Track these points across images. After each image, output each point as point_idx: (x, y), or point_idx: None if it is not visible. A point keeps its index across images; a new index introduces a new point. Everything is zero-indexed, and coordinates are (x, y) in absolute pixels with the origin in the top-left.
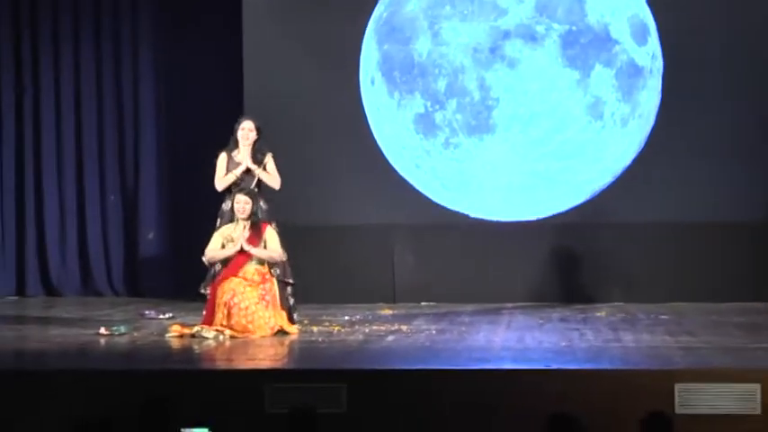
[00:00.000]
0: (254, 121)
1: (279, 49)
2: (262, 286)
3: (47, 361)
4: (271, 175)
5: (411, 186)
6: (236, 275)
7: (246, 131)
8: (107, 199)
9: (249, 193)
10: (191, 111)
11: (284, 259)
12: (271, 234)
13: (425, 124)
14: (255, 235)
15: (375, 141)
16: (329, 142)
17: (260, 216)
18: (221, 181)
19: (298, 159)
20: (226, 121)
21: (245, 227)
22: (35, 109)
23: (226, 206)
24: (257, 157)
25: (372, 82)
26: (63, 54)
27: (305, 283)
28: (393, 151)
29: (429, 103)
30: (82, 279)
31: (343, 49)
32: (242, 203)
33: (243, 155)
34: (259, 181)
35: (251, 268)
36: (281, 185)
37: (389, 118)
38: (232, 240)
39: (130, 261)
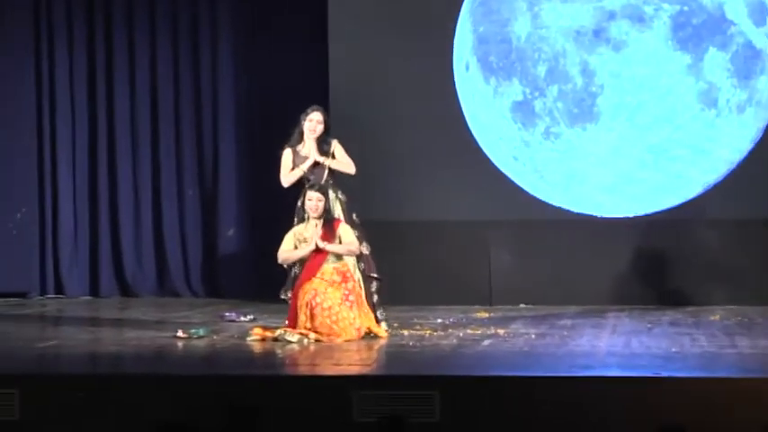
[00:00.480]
0: (324, 113)
1: (366, 35)
2: (344, 286)
3: (123, 365)
4: (342, 162)
5: (508, 179)
6: (315, 276)
7: (315, 124)
8: (185, 194)
9: (321, 189)
10: (272, 104)
11: (367, 252)
12: (345, 229)
13: (524, 113)
14: (329, 232)
15: (469, 131)
16: (420, 132)
17: (340, 208)
18: (287, 177)
19: (387, 151)
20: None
21: (317, 225)
22: (109, 105)
23: (301, 204)
24: (323, 149)
25: (467, 67)
26: (139, 48)
27: (394, 282)
28: (489, 142)
29: (528, 90)
30: (158, 279)
31: (436, 32)
32: (314, 201)
33: (309, 148)
34: (332, 171)
35: (329, 267)
36: (357, 170)
37: (485, 106)
38: (305, 241)
39: (209, 260)
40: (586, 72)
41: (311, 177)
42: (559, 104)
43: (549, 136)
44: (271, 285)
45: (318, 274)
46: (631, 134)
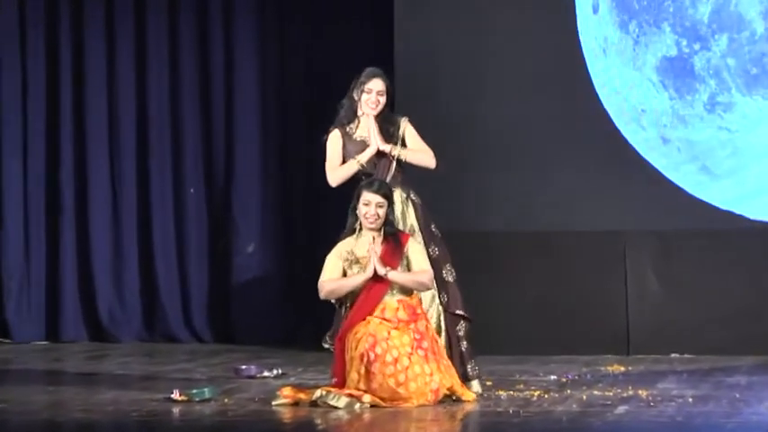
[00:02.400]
0: (386, 80)
1: None
2: (414, 327)
3: None
4: (416, 151)
5: (654, 170)
6: (372, 314)
7: (375, 96)
8: (184, 195)
9: (383, 190)
10: (307, 84)
11: (451, 279)
12: (415, 249)
13: (678, 74)
14: (392, 252)
15: (598, 99)
16: (524, 104)
17: (414, 216)
18: (336, 172)
19: (477, 135)
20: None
21: (374, 239)
22: (76, 81)
23: (353, 208)
24: (387, 131)
25: (595, 8)
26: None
27: (486, 319)
28: (625, 116)
29: (684, 42)
30: (145, 317)
31: None
32: (372, 206)
33: (366, 129)
34: (400, 163)
35: (392, 301)
36: (438, 161)
37: (621, 63)
38: (358, 262)
39: (219, 290)
40: None
41: (371, 172)
42: (730, 62)
43: (714, 108)
44: (307, 327)
45: (377, 312)
46: None
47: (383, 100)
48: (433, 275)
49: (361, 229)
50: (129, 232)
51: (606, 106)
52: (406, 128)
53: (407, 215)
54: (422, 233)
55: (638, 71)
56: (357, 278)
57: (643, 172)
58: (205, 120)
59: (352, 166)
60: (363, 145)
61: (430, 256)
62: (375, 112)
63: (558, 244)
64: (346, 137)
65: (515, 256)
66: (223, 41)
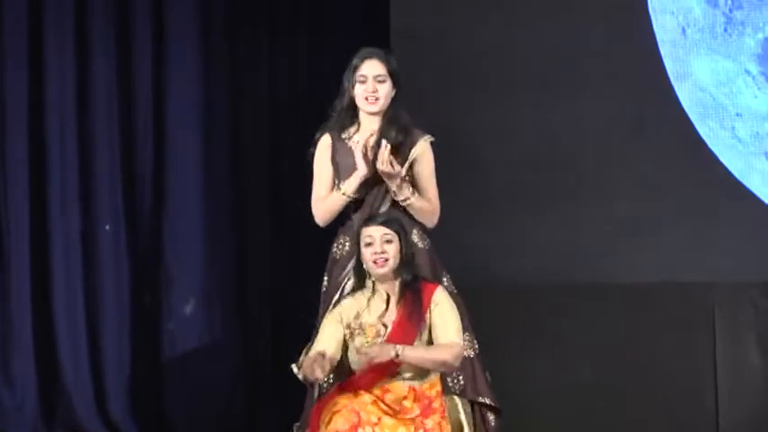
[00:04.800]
0: (386, 60)
1: None
2: (423, 423)
3: None
4: (423, 202)
5: (755, 198)
6: (367, 390)
7: (371, 83)
8: (97, 232)
9: (388, 221)
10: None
11: (473, 354)
12: (442, 309)
13: None
14: (410, 315)
15: (674, 98)
16: (569, 109)
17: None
18: (320, 206)
19: (501, 156)
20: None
21: (388, 296)
22: None
23: (339, 249)
24: (396, 138)
25: None
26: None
27: (521, 408)
28: (712, 121)
29: None
30: (42, 404)
31: None
32: (377, 243)
33: (366, 133)
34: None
35: (402, 387)
36: (439, 218)
37: (707, 49)
38: (363, 332)
39: (145, 368)
40: None
41: (367, 196)
42: None
43: None
44: (268, 416)
45: (376, 390)
46: None
47: (384, 89)
48: (461, 351)
49: (354, 282)
50: (19, 286)
51: (685, 108)
52: (424, 152)
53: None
54: None
55: (730, 59)
56: (374, 351)
57: (738, 201)
58: (125, 132)
59: (336, 200)
60: (363, 158)
61: None
62: (376, 108)
63: (618, 301)
64: (337, 142)
65: (560, 319)
66: (152, 32)
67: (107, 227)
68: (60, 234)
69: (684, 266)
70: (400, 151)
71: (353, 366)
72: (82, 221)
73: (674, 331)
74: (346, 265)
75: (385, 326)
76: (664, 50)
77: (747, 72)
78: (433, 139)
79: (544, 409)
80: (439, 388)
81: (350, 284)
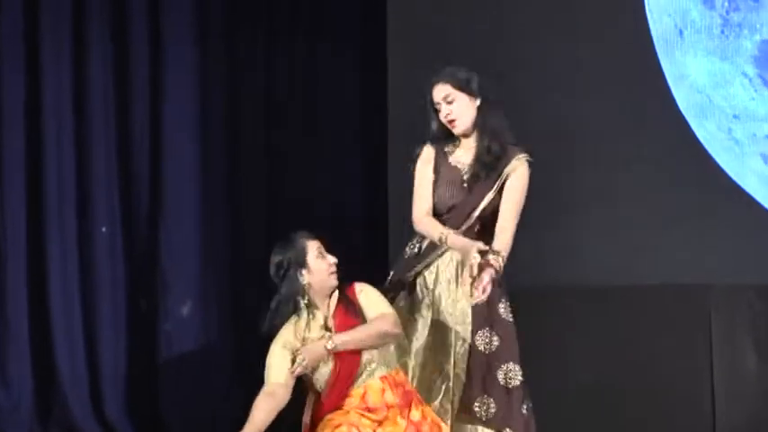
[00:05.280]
0: (449, 77)
1: None
2: (410, 415)
3: None
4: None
5: (751, 201)
6: (345, 396)
7: (444, 107)
8: (94, 234)
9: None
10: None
11: (513, 385)
12: (366, 294)
13: None
14: (345, 310)
15: (671, 100)
16: (568, 110)
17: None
18: (422, 226)
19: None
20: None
21: (328, 307)
22: None
23: (410, 248)
24: (487, 155)
25: None
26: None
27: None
28: (710, 122)
29: None
30: (39, 404)
31: None
32: (328, 256)
33: (468, 152)
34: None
35: (374, 382)
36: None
37: (704, 50)
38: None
39: (141, 370)
40: None
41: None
42: None
43: None
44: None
45: (356, 400)
46: None
47: (458, 108)
48: (395, 318)
49: (308, 306)
50: (16, 288)
51: (682, 110)
52: (517, 171)
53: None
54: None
55: (727, 61)
56: (306, 359)
57: (735, 203)
58: (122, 135)
59: (434, 233)
60: (458, 174)
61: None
62: (459, 130)
63: (616, 303)
64: (441, 156)
65: (562, 320)
66: (149, 37)
67: (104, 229)
68: (57, 236)
69: (681, 269)
70: (495, 167)
71: (319, 388)
72: (78, 224)
73: (672, 333)
74: (413, 264)
75: (329, 330)
76: (660, 52)
77: (744, 74)
78: (529, 158)
79: (542, 410)
80: (402, 370)
81: (423, 280)
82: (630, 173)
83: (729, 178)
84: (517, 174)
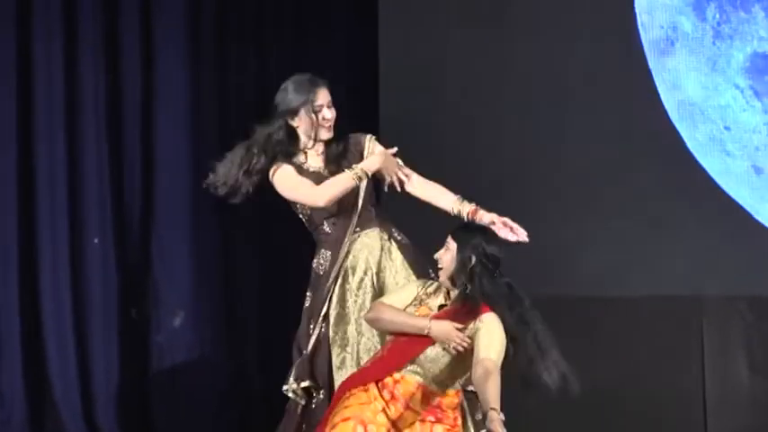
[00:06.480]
0: (326, 83)
1: None
2: (433, 428)
3: None
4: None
5: (743, 212)
6: (398, 369)
7: (325, 109)
8: (85, 245)
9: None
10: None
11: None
12: (489, 327)
13: None
14: (460, 313)
15: (662, 111)
16: (559, 123)
17: (400, 266)
18: (328, 188)
19: (488, 172)
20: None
21: (447, 293)
22: None
23: (323, 263)
24: (345, 150)
25: None
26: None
27: (518, 424)
28: (701, 134)
29: None
30: (31, 412)
31: None
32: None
33: (316, 157)
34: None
35: (413, 379)
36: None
37: (696, 62)
38: (419, 307)
39: (133, 378)
40: None
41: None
42: None
43: None
44: (260, 428)
45: (389, 384)
46: None
47: (332, 115)
48: (493, 372)
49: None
50: (7, 298)
51: (674, 121)
52: (371, 143)
53: (390, 262)
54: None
55: (719, 73)
56: (418, 321)
57: (727, 213)
58: (114, 146)
59: (346, 180)
60: (320, 177)
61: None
62: (331, 135)
63: (607, 315)
64: (299, 169)
65: (552, 331)
66: (140, 44)
67: (96, 240)
68: (49, 248)
69: (673, 280)
70: (350, 159)
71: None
72: (70, 235)
73: (663, 344)
74: (330, 278)
75: (431, 310)
76: (652, 64)
77: (736, 86)
78: (375, 136)
79: (533, 421)
80: (459, 401)
81: (336, 296)
82: (622, 184)
83: (721, 189)
84: (373, 145)
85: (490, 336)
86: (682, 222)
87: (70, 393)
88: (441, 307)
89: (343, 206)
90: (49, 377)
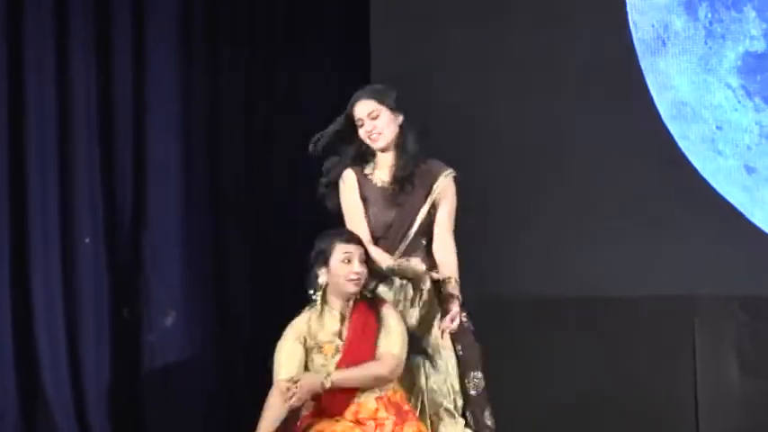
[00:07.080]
0: (372, 94)
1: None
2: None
3: None
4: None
5: (734, 211)
6: (340, 413)
7: (368, 122)
8: (77, 245)
9: (357, 238)
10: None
11: (472, 393)
12: (391, 318)
13: (766, 77)
14: (364, 324)
15: (654, 110)
16: (551, 120)
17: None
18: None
19: (484, 169)
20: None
21: (342, 315)
22: None
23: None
24: (410, 175)
25: None
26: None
27: (509, 426)
28: (693, 133)
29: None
30: (23, 411)
31: None
32: (355, 262)
33: (383, 168)
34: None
35: (369, 401)
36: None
37: (687, 61)
38: (321, 350)
39: (125, 378)
40: None
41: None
42: None
43: None
44: (250, 429)
45: (349, 415)
46: None
47: (381, 124)
48: (396, 363)
49: (324, 302)
50: None
51: (666, 121)
52: (447, 190)
53: (423, 300)
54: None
55: (711, 73)
56: (311, 378)
57: (718, 213)
58: (105, 146)
59: (382, 264)
60: (384, 193)
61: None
62: (382, 145)
63: (599, 315)
64: (363, 180)
65: (545, 332)
66: (132, 45)
67: (87, 240)
68: (40, 248)
69: (665, 279)
70: (422, 181)
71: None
72: (62, 234)
73: (655, 344)
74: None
75: (341, 338)
76: (644, 63)
77: (728, 85)
78: (454, 173)
79: (527, 422)
80: (401, 391)
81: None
82: (614, 184)
83: (713, 189)
84: (447, 194)
85: (389, 326)
86: (673, 222)
87: (62, 392)
88: (339, 334)
89: (393, 235)
90: (40, 377)
